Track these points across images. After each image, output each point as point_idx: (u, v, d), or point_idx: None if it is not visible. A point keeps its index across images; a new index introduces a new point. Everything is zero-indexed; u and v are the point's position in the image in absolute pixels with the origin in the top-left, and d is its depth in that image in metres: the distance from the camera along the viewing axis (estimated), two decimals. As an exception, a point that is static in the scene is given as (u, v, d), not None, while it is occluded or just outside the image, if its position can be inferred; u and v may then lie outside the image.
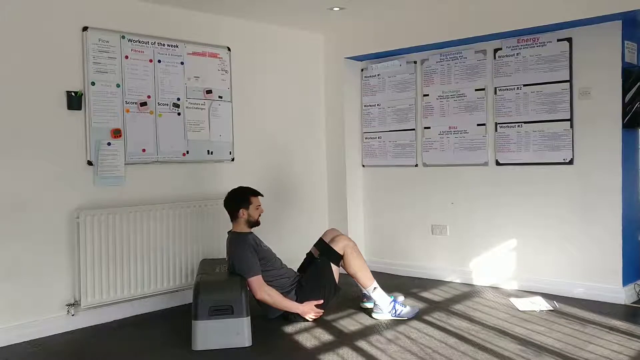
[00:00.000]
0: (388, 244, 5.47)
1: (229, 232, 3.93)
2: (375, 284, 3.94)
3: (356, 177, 5.62)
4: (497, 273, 4.75)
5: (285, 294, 3.81)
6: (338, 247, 3.92)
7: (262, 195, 3.97)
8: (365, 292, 4.07)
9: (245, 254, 3.71)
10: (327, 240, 4.07)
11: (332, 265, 3.90)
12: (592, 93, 4.22)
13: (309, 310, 3.83)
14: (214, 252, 4.50)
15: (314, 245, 4.22)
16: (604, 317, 3.81)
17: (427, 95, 5.14)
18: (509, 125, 4.65)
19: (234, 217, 3.90)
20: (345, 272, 4.01)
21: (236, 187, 3.99)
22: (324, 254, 3.99)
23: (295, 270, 4.07)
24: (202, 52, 4.61)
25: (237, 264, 3.70)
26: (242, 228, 3.88)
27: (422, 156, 5.20)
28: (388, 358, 3.20)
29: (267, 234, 4.22)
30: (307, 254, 4.24)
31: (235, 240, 3.81)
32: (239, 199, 3.87)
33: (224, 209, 3.94)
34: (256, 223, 3.92)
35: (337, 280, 3.92)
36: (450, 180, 5.02)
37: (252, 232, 3.91)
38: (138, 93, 4.23)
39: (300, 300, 3.83)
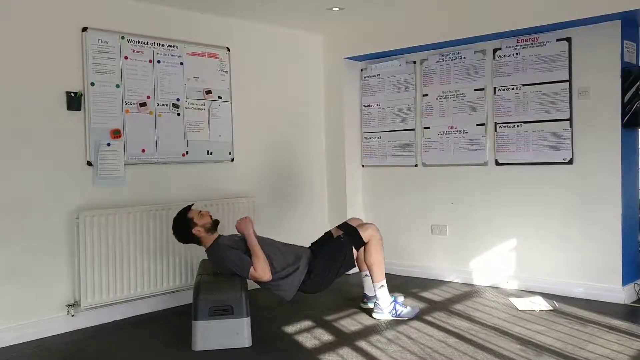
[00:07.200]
0: (388, 244, 5.38)
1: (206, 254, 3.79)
2: (384, 282, 3.92)
3: (356, 177, 5.62)
4: (497, 273, 4.75)
5: (291, 266, 3.71)
6: (365, 234, 3.88)
7: (193, 204, 3.86)
8: (367, 293, 4.11)
9: (226, 254, 3.60)
10: (354, 225, 4.03)
11: (353, 248, 3.85)
12: (592, 93, 4.23)
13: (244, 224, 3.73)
14: (214, 252, 4.49)
15: (336, 227, 4.15)
16: (604, 316, 3.81)
17: (427, 95, 5.14)
18: (509, 125, 4.65)
19: (194, 240, 3.72)
20: (358, 265, 3.99)
21: (172, 220, 3.80)
22: (349, 234, 3.93)
23: (306, 247, 3.99)
24: (201, 53, 4.61)
25: (230, 266, 3.59)
26: (209, 239, 3.70)
27: (421, 156, 5.20)
28: (388, 358, 3.20)
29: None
30: (325, 232, 4.20)
31: (212, 252, 3.69)
32: (184, 225, 3.68)
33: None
34: (214, 223, 3.74)
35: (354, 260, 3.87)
36: (450, 180, 5.02)
37: (220, 235, 3.77)
38: (138, 93, 4.23)
39: (311, 269, 3.74)
